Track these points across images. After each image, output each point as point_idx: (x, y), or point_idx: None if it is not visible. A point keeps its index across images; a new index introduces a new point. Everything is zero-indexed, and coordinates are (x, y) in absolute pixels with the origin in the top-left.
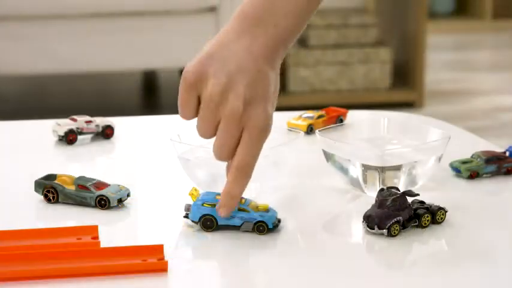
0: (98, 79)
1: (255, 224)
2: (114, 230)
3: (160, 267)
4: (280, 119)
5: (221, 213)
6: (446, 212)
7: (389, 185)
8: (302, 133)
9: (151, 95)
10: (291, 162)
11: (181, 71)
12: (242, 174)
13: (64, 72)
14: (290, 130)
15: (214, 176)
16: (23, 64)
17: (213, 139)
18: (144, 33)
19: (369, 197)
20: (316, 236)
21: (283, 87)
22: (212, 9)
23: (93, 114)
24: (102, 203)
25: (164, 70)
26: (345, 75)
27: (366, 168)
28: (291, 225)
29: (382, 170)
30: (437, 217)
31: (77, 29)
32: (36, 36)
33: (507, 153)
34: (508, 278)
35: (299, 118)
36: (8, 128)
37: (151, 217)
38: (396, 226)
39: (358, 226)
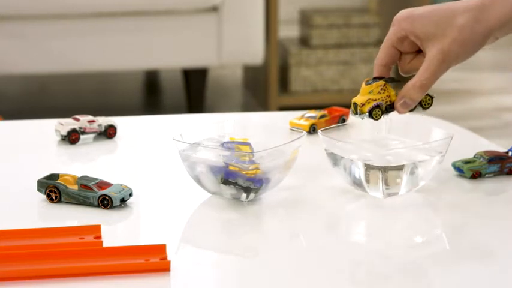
0: (100, 79)
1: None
2: (116, 230)
3: (163, 267)
4: (283, 119)
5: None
6: (432, 97)
7: (392, 185)
8: (305, 133)
9: (154, 94)
10: (294, 162)
11: (183, 71)
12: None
13: (65, 72)
14: (293, 130)
15: (215, 174)
16: (23, 64)
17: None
18: (146, 33)
19: (372, 197)
20: (319, 236)
21: (285, 87)
22: (215, 9)
23: (95, 113)
24: (105, 203)
25: (166, 70)
26: (347, 75)
27: (369, 168)
28: (293, 225)
29: (384, 170)
30: (423, 103)
31: (78, 29)
32: (36, 36)
33: (510, 153)
34: (509, 278)
35: (301, 118)
36: (10, 127)
37: (154, 217)
38: (377, 111)
39: (360, 226)
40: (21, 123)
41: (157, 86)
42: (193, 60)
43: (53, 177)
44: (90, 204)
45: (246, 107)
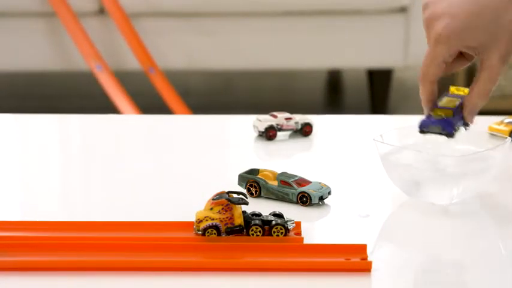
0: (283, 76)
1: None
2: (315, 227)
3: (364, 267)
4: (479, 124)
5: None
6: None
7: None
8: (509, 139)
9: (336, 93)
10: (497, 169)
11: (368, 71)
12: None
13: (250, 69)
14: (492, 135)
15: (416, 178)
16: (211, 60)
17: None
18: (332, 32)
19: None
20: None
21: None
22: (403, 10)
23: (276, 111)
24: (304, 200)
25: (350, 69)
26: None
27: None
28: (495, 233)
29: None
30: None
31: (266, 27)
32: (225, 33)
33: None
34: None
35: (501, 123)
36: (210, 121)
37: (350, 216)
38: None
39: None
40: (214, 118)
41: (339, 85)
42: (378, 60)
43: (253, 172)
44: (289, 201)
45: None
